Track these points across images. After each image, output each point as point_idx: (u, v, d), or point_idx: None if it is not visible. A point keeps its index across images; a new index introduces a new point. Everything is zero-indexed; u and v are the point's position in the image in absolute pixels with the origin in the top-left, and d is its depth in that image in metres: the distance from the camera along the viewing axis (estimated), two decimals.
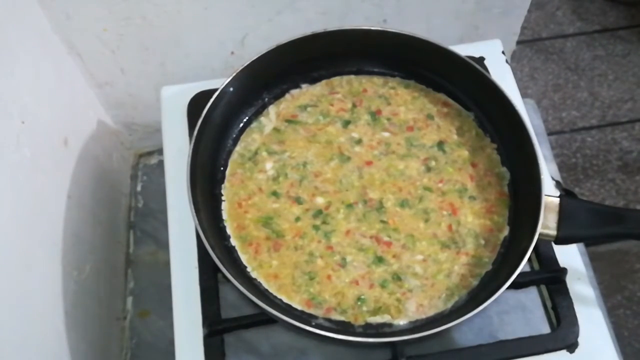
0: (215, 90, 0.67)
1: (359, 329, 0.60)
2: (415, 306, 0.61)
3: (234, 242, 0.64)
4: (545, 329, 0.66)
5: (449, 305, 0.61)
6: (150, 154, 0.98)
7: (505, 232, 0.65)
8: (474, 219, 0.66)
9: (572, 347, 0.63)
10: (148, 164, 0.96)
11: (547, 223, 0.60)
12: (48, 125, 0.75)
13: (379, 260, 0.63)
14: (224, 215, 0.66)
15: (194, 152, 0.64)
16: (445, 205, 0.66)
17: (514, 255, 0.60)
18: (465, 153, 0.69)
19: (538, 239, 0.59)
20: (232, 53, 0.89)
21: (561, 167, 1.51)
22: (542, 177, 0.61)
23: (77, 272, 0.77)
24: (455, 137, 0.71)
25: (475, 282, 0.63)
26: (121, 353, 0.82)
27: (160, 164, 0.96)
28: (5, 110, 0.65)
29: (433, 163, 0.69)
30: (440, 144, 0.70)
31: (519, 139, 0.65)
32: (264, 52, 0.69)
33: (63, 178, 0.77)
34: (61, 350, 0.70)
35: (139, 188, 0.94)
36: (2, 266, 0.59)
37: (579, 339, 0.63)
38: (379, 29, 0.71)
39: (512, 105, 0.66)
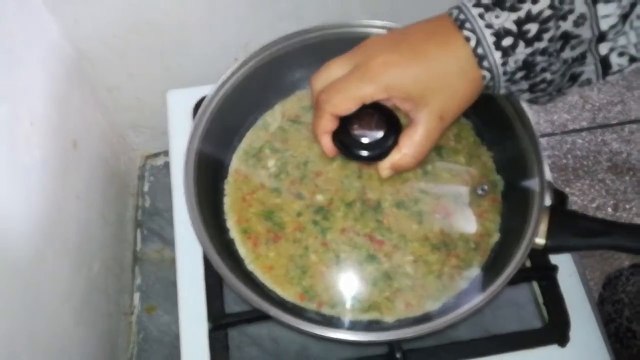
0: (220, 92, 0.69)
1: (348, 324, 0.61)
2: (404, 305, 0.62)
3: (233, 235, 0.65)
4: (537, 324, 0.68)
5: (437, 306, 0.62)
6: (156, 155, 1.00)
7: (496, 237, 0.66)
8: (466, 224, 0.67)
9: (563, 341, 0.65)
10: (155, 165, 0.98)
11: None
12: (58, 128, 0.76)
13: (371, 258, 0.64)
14: (225, 209, 0.67)
15: (198, 147, 0.65)
16: (439, 209, 0.67)
17: (503, 261, 0.61)
18: (461, 159, 0.70)
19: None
20: (236, 59, 0.91)
21: (552, 167, 1.52)
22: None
23: (87, 270, 0.78)
24: (452, 143, 0.71)
25: (464, 285, 0.63)
26: (128, 347, 0.83)
27: (167, 165, 0.98)
28: (16, 113, 0.66)
29: (429, 167, 0.70)
30: (438, 149, 0.71)
31: (513, 148, 0.67)
32: (271, 51, 0.70)
33: (72, 179, 0.78)
34: (70, 344, 0.72)
35: (146, 188, 0.95)
36: (14, 264, 0.61)
37: (570, 334, 0.65)
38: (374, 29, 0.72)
39: (508, 116, 0.67)
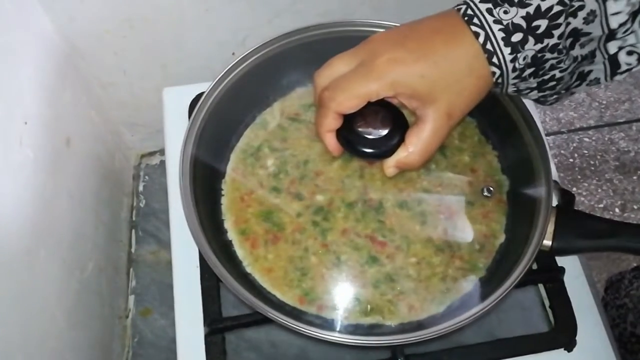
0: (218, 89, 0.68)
1: (349, 328, 0.60)
2: (407, 308, 0.61)
3: (231, 236, 0.64)
4: (543, 328, 0.67)
5: (442, 309, 0.61)
6: (152, 154, 0.99)
7: (502, 239, 0.65)
8: (470, 224, 0.66)
9: (569, 345, 0.64)
10: (150, 164, 0.97)
11: None
12: (51, 126, 0.75)
13: (373, 260, 0.63)
14: (223, 209, 0.66)
15: (193, 145, 0.64)
16: (443, 209, 0.66)
17: (509, 263, 0.60)
18: (465, 158, 0.69)
19: None
20: (233, 54, 0.90)
21: (559, 167, 1.52)
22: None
23: (80, 271, 0.77)
24: (456, 142, 0.70)
25: (469, 288, 0.62)
26: (123, 351, 0.82)
27: (162, 164, 0.98)
28: (9, 111, 0.65)
29: (433, 166, 0.68)
30: (442, 148, 0.69)
31: (518, 150, 0.66)
32: (270, 48, 0.69)
33: (66, 178, 0.77)
34: (63, 348, 0.71)
35: (141, 188, 0.95)
36: (5, 265, 0.60)
37: (577, 338, 0.64)
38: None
39: (513, 120, 0.66)
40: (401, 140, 0.56)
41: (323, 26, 0.70)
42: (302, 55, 0.70)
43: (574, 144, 1.56)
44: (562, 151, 1.56)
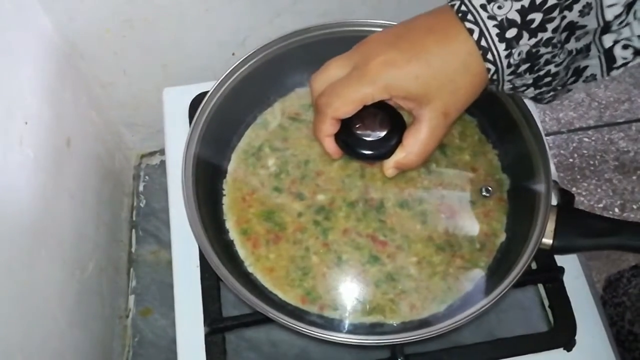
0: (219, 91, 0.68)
1: (351, 327, 0.60)
2: (408, 307, 0.61)
3: (232, 236, 0.64)
4: (543, 327, 0.67)
5: (443, 308, 0.61)
6: (152, 154, 0.99)
7: (502, 237, 0.65)
8: (471, 223, 0.66)
9: (569, 345, 0.64)
10: (150, 164, 0.97)
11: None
12: (51, 126, 0.75)
13: (374, 259, 0.62)
14: (225, 209, 0.66)
15: (196, 146, 0.64)
16: (444, 208, 0.66)
17: (509, 262, 0.60)
18: (465, 157, 0.69)
19: None
20: (233, 54, 0.90)
21: (558, 167, 1.52)
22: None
23: (80, 271, 0.77)
24: (457, 141, 0.70)
25: (470, 287, 0.62)
26: (123, 351, 0.82)
27: (162, 164, 0.97)
28: (9, 111, 0.65)
29: (434, 166, 0.68)
30: (442, 147, 0.69)
31: (518, 148, 0.66)
32: (271, 49, 0.69)
33: (66, 178, 0.77)
34: (64, 348, 0.71)
35: (141, 188, 0.95)
36: (6, 265, 0.60)
37: (576, 337, 0.64)
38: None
39: (513, 118, 0.66)
40: (399, 141, 0.57)
41: (323, 27, 0.70)
42: (302, 56, 0.70)
43: (574, 144, 1.56)
44: (562, 151, 1.56)
